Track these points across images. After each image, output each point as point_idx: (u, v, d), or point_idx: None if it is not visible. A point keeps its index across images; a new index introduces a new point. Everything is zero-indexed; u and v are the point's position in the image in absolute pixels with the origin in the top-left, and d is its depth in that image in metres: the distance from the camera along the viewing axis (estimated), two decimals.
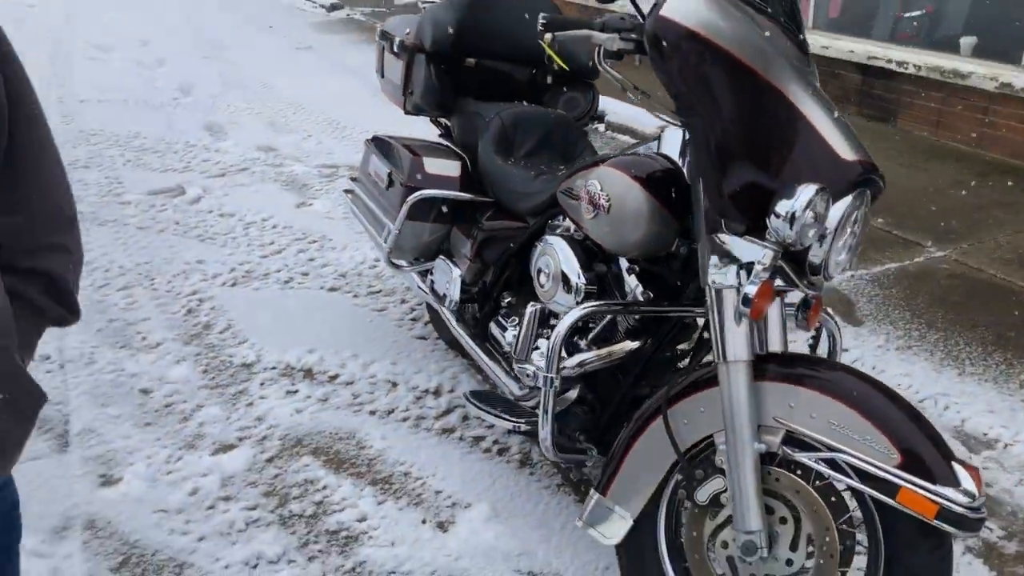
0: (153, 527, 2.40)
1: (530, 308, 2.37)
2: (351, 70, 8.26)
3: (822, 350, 2.26)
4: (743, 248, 1.80)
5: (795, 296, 1.96)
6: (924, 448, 1.70)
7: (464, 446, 2.77)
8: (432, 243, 2.95)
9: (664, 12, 1.73)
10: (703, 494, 1.89)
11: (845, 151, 1.76)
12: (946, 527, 1.63)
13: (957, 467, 1.68)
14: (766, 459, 1.83)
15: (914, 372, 3.19)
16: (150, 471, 2.63)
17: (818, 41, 6.44)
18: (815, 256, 1.81)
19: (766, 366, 1.85)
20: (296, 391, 3.04)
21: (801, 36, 1.91)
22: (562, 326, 2.03)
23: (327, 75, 8.12)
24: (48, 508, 2.47)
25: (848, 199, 1.77)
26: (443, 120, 3.24)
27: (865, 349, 3.35)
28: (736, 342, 1.81)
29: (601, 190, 2.05)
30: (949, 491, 1.64)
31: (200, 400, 2.99)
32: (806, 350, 2.23)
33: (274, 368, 3.18)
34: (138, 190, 5.00)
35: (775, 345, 1.94)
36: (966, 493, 1.64)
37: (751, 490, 1.80)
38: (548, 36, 2.08)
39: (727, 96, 1.74)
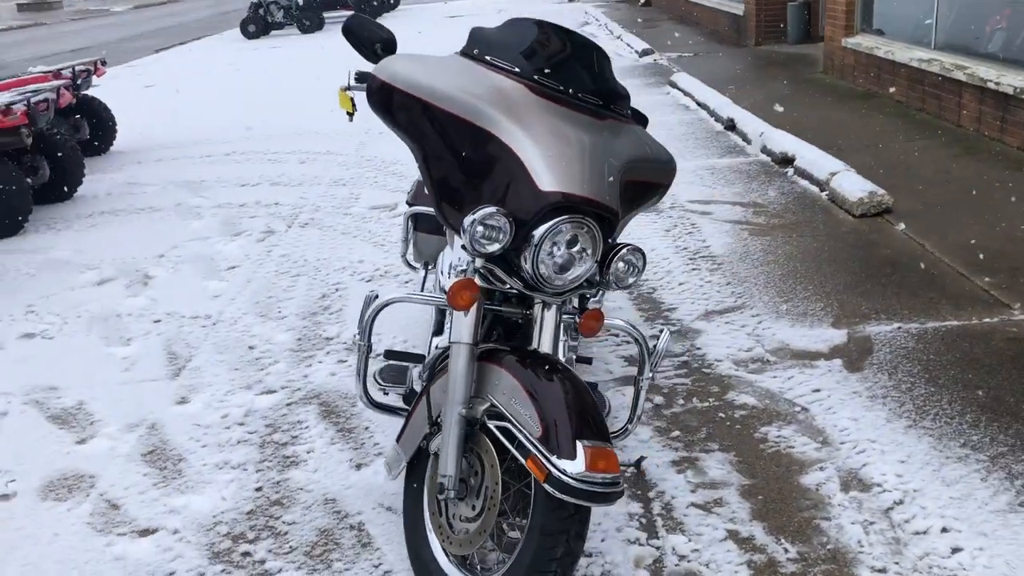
0: (183, 433, 3.33)
1: None
2: None
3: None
4: (456, 253, 2.27)
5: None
6: (560, 428, 2.05)
7: None
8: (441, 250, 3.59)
9: (373, 70, 2.28)
10: (434, 445, 2.36)
11: (549, 184, 2.16)
12: (551, 489, 1.99)
13: (580, 446, 2.02)
14: (473, 423, 2.27)
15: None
16: (210, 398, 3.58)
17: None
18: (528, 265, 2.22)
19: (490, 352, 2.29)
20: (346, 362, 3.84)
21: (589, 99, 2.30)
22: (372, 308, 2.60)
23: None
24: (134, 411, 3.52)
25: (549, 223, 2.16)
26: None
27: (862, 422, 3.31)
28: (460, 328, 2.28)
29: None
30: (562, 462, 1.99)
31: (279, 358, 3.91)
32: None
33: (345, 344, 4.01)
34: (364, 205, 6.16)
35: (545, 344, 2.36)
36: (575, 467, 1.99)
37: (451, 443, 2.25)
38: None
39: (426, 131, 2.23)
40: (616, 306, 4.20)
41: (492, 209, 2.13)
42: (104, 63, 8.56)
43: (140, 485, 3.01)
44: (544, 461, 2.02)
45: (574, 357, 3.01)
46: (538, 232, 2.17)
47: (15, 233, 6.19)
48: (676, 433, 3.11)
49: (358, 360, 2.57)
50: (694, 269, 4.58)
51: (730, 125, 7.45)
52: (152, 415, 3.48)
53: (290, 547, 2.64)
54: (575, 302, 2.71)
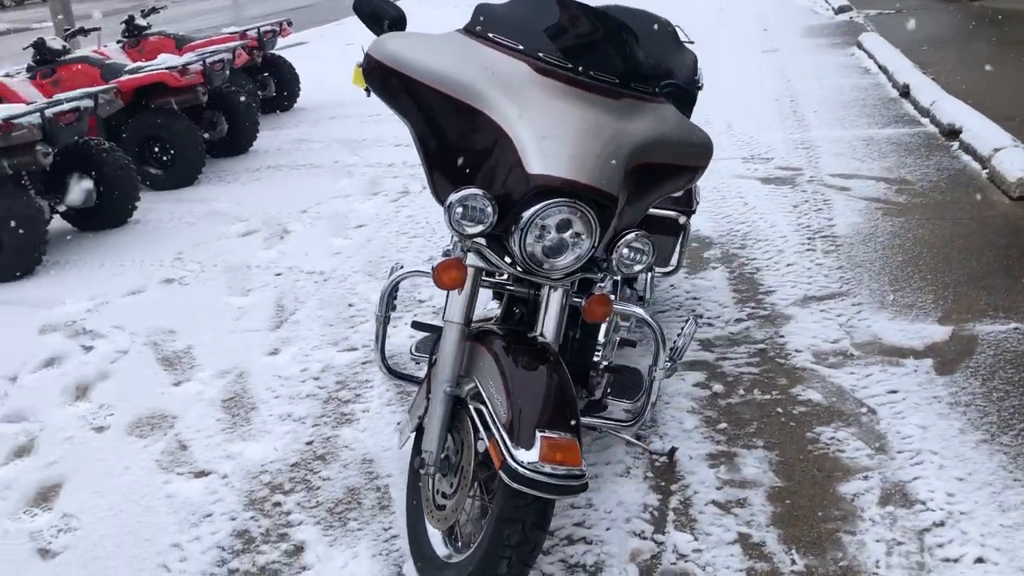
0: (263, 384, 3.57)
1: None
2: (783, 75, 8.45)
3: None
4: (450, 232, 2.27)
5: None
6: (524, 416, 2.05)
7: None
8: None
9: (368, 49, 2.29)
10: (427, 420, 2.41)
11: (537, 167, 2.11)
12: (504, 476, 2.00)
13: (539, 436, 2.00)
14: (459, 402, 2.30)
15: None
16: (297, 352, 3.81)
17: None
18: (516, 248, 2.20)
19: (483, 334, 2.30)
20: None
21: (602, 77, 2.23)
22: (391, 279, 2.65)
23: (762, 77, 8.44)
24: (230, 359, 3.80)
25: (536, 207, 2.12)
26: None
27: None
28: (452, 307, 2.30)
29: None
30: (518, 450, 2.00)
31: (370, 316, 4.08)
32: None
33: (434, 308, 4.12)
34: None
35: (549, 325, 2.34)
36: (529, 456, 1.98)
37: (436, 420, 2.29)
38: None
39: (418, 110, 2.23)
40: (710, 285, 4.05)
41: (474, 191, 2.11)
42: (290, 24, 9.07)
43: (210, 429, 3.26)
44: (502, 447, 2.02)
45: (618, 339, 2.95)
46: (525, 215, 2.13)
47: (190, 184, 6.75)
48: (724, 425, 2.99)
49: (376, 328, 2.65)
50: (808, 250, 4.32)
51: (904, 92, 6.88)
52: (244, 364, 3.74)
53: (317, 502, 2.78)
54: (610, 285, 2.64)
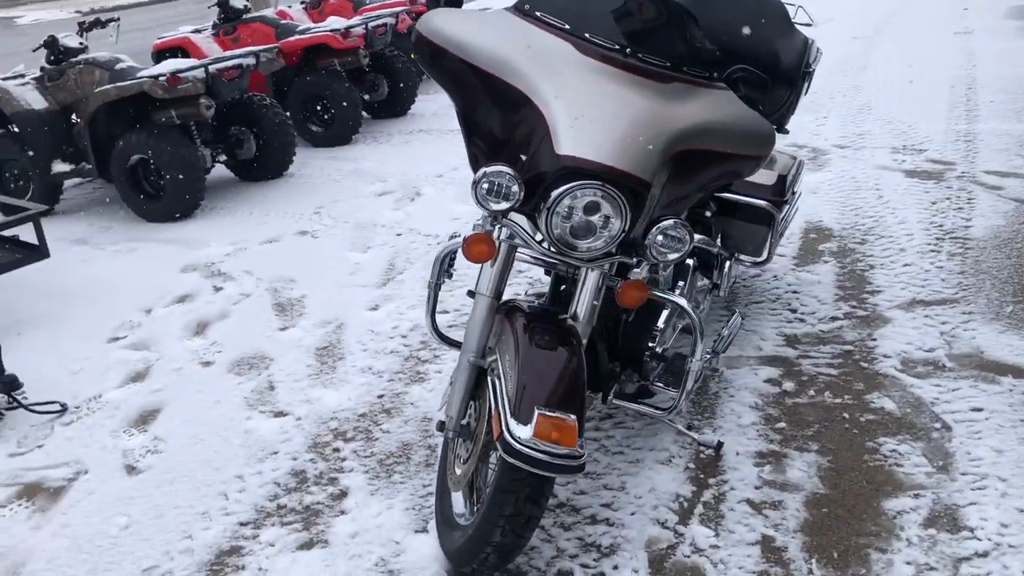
0: (356, 336, 3.78)
1: None
2: (969, 59, 7.83)
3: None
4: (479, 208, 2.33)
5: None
6: (527, 393, 2.10)
7: None
8: None
9: (416, 24, 2.35)
10: None
11: (566, 147, 2.13)
12: (500, 447, 2.07)
13: (537, 413, 2.05)
14: (482, 372, 2.37)
15: None
16: (393, 309, 4.00)
17: None
18: (543, 227, 2.24)
19: (512, 309, 2.36)
20: (531, 289, 4.03)
21: (643, 58, 2.23)
22: (444, 248, 2.74)
23: (946, 58, 7.87)
24: (335, 311, 4.04)
25: (562, 187, 2.15)
26: None
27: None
28: (483, 281, 2.38)
29: None
30: (515, 425, 2.06)
31: (468, 283, 4.21)
32: None
33: (533, 278, 4.20)
34: None
35: (583, 304, 2.38)
36: (524, 432, 2.04)
37: (458, 387, 2.39)
38: None
39: (461, 86, 2.29)
40: (814, 279, 3.89)
41: (500, 168, 2.16)
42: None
43: (298, 374, 3.49)
44: (502, 420, 2.08)
45: (679, 326, 2.91)
46: (552, 195, 2.16)
47: (346, 143, 7.11)
48: (782, 424, 2.91)
49: (428, 293, 2.75)
50: (933, 251, 4.06)
51: None
52: (344, 316, 3.97)
53: (371, 452, 2.95)
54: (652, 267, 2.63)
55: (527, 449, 2.03)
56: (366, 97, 7.51)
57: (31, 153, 5.75)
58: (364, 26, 6.99)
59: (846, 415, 2.92)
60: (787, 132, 3.49)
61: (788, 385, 3.11)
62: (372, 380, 3.40)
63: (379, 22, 7.14)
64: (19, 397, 3.39)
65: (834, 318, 3.55)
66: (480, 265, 2.37)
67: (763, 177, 3.27)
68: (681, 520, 2.52)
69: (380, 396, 3.29)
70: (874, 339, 3.36)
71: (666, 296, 2.48)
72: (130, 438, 3.16)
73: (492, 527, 2.16)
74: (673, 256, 2.28)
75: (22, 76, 6.02)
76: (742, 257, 3.43)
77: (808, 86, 3.45)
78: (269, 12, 8.11)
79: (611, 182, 2.11)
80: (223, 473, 2.89)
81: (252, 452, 2.99)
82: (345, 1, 8.89)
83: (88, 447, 3.11)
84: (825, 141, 5.93)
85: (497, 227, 2.30)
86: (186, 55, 7.28)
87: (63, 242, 5.38)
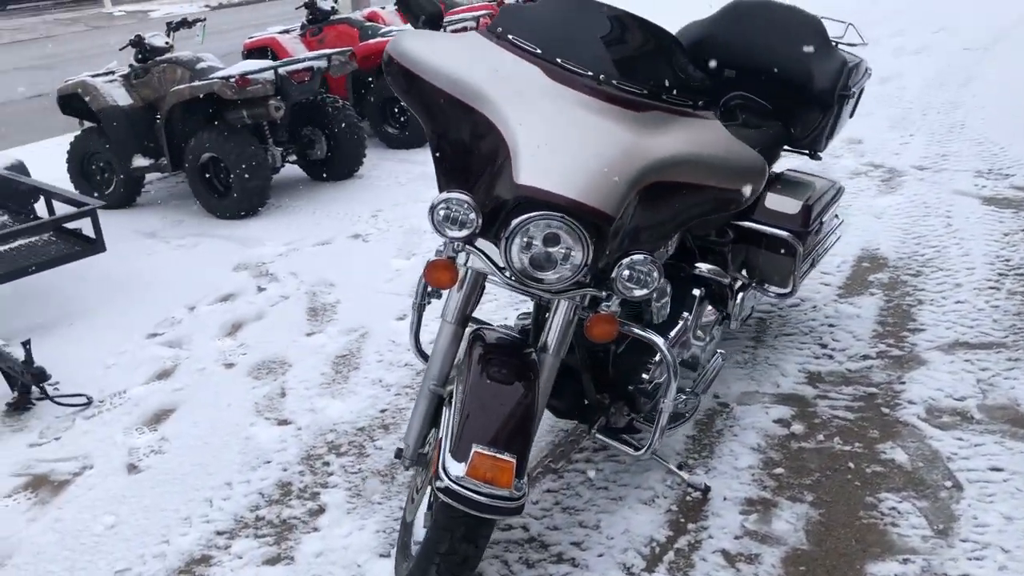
0: (376, 347, 3.79)
1: None
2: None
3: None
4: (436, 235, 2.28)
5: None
6: (467, 428, 2.06)
7: None
8: None
9: (387, 45, 2.30)
10: None
11: (525, 177, 2.06)
12: (432, 484, 2.04)
13: (473, 450, 2.00)
14: (441, 400, 2.33)
15: None
16: None
17: None
18: (502, 257, 2.18)
19: (478, 335, 2.31)
20: None
21: (609, 80, 2.13)
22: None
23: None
24: (363, 318, 4.06)
25: (521, 217, 2.09)
26: None
27: None
28: (449, 307, 2.34)
29: None
30: (450, 461, 2.02)
31: (499, 295, 4.16)
32: None
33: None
34: None
35: (552, 334, 2.30)
36: (457, 469, 2.00)
37: (417, 415, 2.36)
38: None
39: (428, 109, 2.24)
40: (855, 312, 3.68)
41: (457, 195, 2.11)
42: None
43: (311, 382, 3.52)
44: (440, 455, 2.04)
45: (677, 359, 2.80)
46: (510, 225, 2.09)
47: (420, 146, 7.15)
48: (781, 470, 2.75)
49: (411, 314, 2.72)
50: (992, 288, 3.78)
51: None
52: (371, 324, 3.99)
53: (359, 469, 2.94)
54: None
55: (459, 488, 1.98)
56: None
57: (114, 147, 6.00)
58: (443, 30, 7.00)
59: (851, 464, 2.74)
60: (819, 158, 3.32)
61: (797, 427, 2.95)
62: (379, 393, 3.40)
63: (458, 26, 7.16)
64: (49, 388, 3.53)
65: (865, 357, 3.35)
66: (449, 291, 2.33)
67: (786, 205, 3.10)
68: (648, 567, 2.41)
69: (383, 410, 3.28)
70: (903, 382, 3.15)
71: (638, 332, 2.38)
72: (140, 436, 3.25)
73: (428, 564, 2.12)
74: (639, 292, 2.18)
75: (112, 73, 6.29)
76: (769, 288, 3.27)
77: (851, 109, 3.27)
78: (358, 15, 8.24)
79: (571, 214, 2.03)
80: (214, 479, 2.94)
81: (247, 460, 3.03)
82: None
83: (100, 442, 3.21)
84: (904, 161, 5.61)
85: (463, 253, 2.24)
86: (274, 56, 7.46)
87: (135, 234, 5.60)
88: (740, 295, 3.05)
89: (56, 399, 3.49)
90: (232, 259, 4.98)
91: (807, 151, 3.36)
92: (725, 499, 2.64)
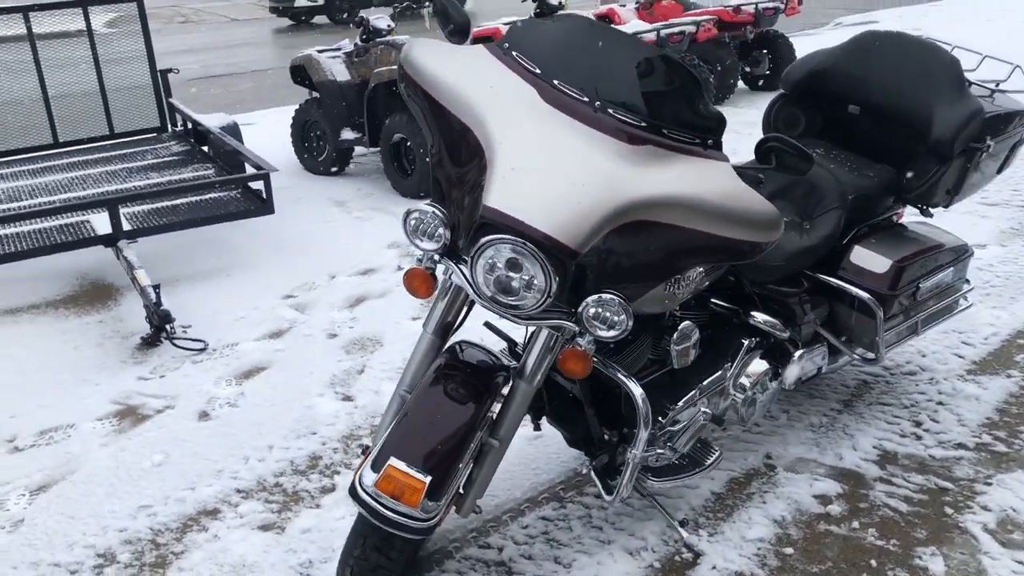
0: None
1: None
2: None
3: None
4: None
5: None
6: (390, 440, 2.10)
7: None
8: None
9: (399, 56, 2.30)
10: None
11: (491, 199, 2.01)
12: (349, 487, 2.10)
13: (389, 464, 2.03)
14: None
15: None
16: None
17: None
18: (468, 276, 2.16)
19: (450, 348, 2.32)
20: None
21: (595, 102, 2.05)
22: None
23: None
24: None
25: (482, 239, 2.07)
26: None
27: None
28: (431, 316, 2.37)
29: None
30: (366, 470, 2.07)
31: None
32: None
33: None
34: None
35: (530, 360, 2.25)
36: (369, 479, 2.04)
37: (386, 420, 2.40)
38: None
39: (427, 119, 2.23)
40: (974, 394, 3.24)
41: (428, 207, 2.12)
42: (800, 2, 8.77)
43: (391, 364, 3.65)
44: (362, 463, 2.08)
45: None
46: (475, 245, 2.07)
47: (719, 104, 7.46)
48: (791, 551, 2.51)
49: None
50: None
51: None
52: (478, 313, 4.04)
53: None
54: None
55: (365, 496, 2.01)
56: (746, 69, 8.49)
57: (327, 119, 6.50)
58: (656, 33, 6.96)
59: (874, 563, 2.44)
60: (930, 215, 2.96)
61: (836, 508, 2.66)
62: None
63: (675, 31, 7.08)
64: (179, 330, 3.93)
65: (960, 446, 2.94)
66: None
67: (875, 263, 2.79)
68: None
69: None
70: (989, 483, 2.74)
71: (611, 372, 2.26)
72: (224, 388, 3.54)
73: (344, 565, 2.17)
74: (605, 334, 2.07)
75: (339, 50, 6.79)
76: (856, 350, 2.96)
77: (998, 165, 2.89)
78: (589, 12, 8.37)
79: (534, 241, 1.97)
80: (261, 440, 3.15)
81: (298, 428, 3.22)
82: (676, 3, 8.88)
83: (191, 387, 3.54)
84: None
85: (443, 264, 2.24)
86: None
87: (326, 201, 6.04)
88: (799, 353, 2.79)
89: (175, 341, 3.87)
90: (391, 236, 5.22)
91: (918, 205, 2.99)
92: (714, 568, 2.45)
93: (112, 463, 3.04)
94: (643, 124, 2.06)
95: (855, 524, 2.60)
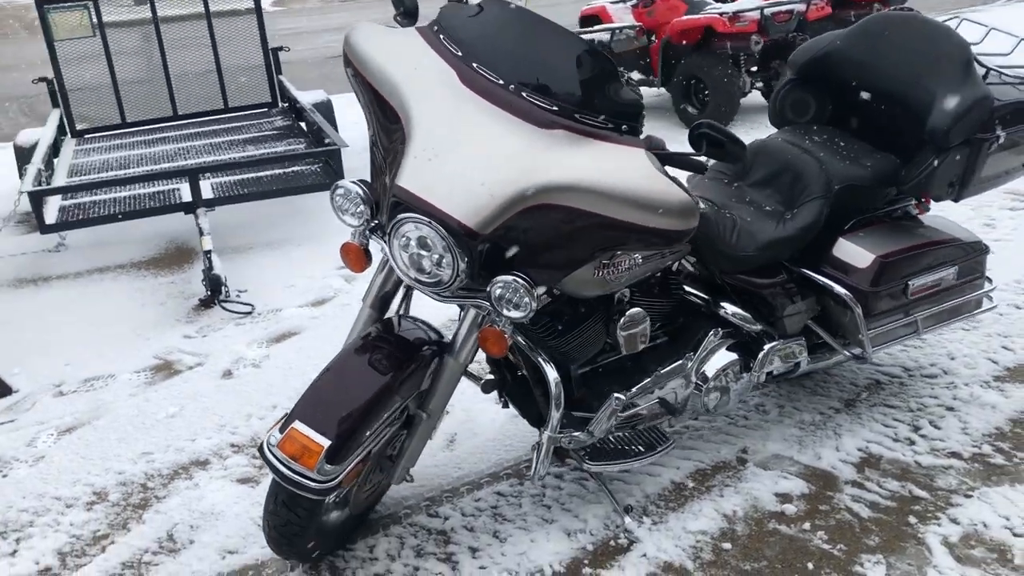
0: None
1: None
2: None
3: None
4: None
5: None
6: (301, 403, 2.21)
7: None
8: None
9: (345, 35, 2.36)
10: None
11: (403, 178, 2.09)
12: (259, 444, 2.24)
13: (292, 428, 2.15)
14: None
15: None
16: None
17: None
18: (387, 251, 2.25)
19: (386, 321, 2.42)
20: None
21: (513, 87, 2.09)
22: None
23: None
24: None
25: (395, 217, 2.15)
26: None
27: None
28: (370, 289, 2.48)
29: None
30: (274, 430, 2.20)
31: None
32: None
33: None
34: None
35: (459, 337, 2.33)
36: (274, 437, 2.17)
37: None
38: None
39: (363, 99, 2.31)
40: (995, 402, 3.03)
41: (350, 185, 2.22)
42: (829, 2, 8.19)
43: None
44: (275, 423, 2.21)
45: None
46: (390, 223, 2.16)
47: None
48: (729, 546, 2.47)
49: None
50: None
51: None
52: None
53: None
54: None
55: (270, 455, 2.13)
56: (759, 85, 7.20)
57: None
58: (759, 11, 6.69)
59: (811, 565, 2.36)
60: (928, 209, 2.80)
61: (792, 508, 2.58)
62: None
63: (782, 9, 6.76)
64: (234, 293, 4.20)
65: (953, 455, 2.77)
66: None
67: (857, 256, 2.66)
68: None
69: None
70: (969, 496, 2.58)
71: (529, 352, 2.29)
72: (256, 349, 3.77)
73: (264, 518, 2.30)
74: (511, 314, 2.12)
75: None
76: (847, 346, 2.84)
77: (989, 155, 2.71)
78: None
79: (439, 221, 2.04)
80: (268, 400, 3.34)
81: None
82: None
83: (226, 347, 3.79)
84: None
85: (374, 240, 2.33)
86: (601, 24, 7.76)
87: None
88: (768, 347, 2.70)
89: (225, 304, 4.14)
90: None
91: (916, 197, 2.82)
92: (644, 556, 2.44)
93: (133, 412, 3.31)
94: (555, 108, 2.08)
95: (806, 525, 2.51)
